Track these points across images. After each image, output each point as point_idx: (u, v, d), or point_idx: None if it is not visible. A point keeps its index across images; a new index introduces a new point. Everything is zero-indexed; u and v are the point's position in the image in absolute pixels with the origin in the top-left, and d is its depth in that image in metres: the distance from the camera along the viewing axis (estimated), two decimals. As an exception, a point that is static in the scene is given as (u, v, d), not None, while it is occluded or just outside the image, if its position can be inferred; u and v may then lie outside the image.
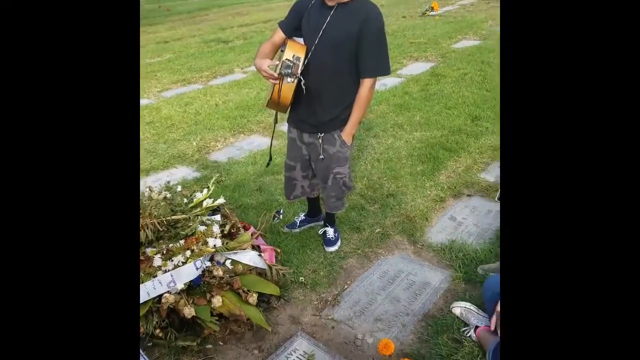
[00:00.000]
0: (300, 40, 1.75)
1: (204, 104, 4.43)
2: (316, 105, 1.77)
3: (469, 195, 2.60)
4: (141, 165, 3.13)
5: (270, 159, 2.16)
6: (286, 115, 1.96)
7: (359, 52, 1.65)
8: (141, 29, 8.08)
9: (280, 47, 1.80)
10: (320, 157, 1.87)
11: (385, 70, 1.72)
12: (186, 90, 4.98)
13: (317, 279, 2.02)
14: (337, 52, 1.66)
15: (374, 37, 1.64)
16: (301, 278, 2.02)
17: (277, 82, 1.64)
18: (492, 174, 2.79)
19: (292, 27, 1.76)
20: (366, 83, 1.70)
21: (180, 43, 7.77)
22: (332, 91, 1.74)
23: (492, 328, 1.53)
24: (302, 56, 1.66)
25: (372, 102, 4.00)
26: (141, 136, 3.64)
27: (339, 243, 2.20)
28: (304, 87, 1.68)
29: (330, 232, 2.19)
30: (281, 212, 2.48)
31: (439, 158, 2.96)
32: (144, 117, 4.13)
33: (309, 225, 2.37)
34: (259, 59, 1.70)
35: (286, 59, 1.62)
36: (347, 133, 1.83)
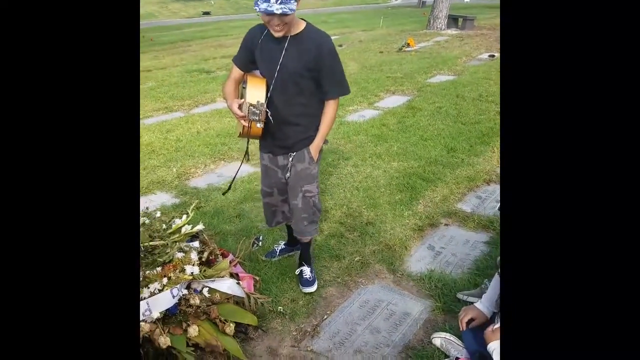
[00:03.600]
0: (256, 72, 1.80)
1: (185, 132, 4.43)
2: (288, 129, 1.82)
3: (446, 225, 2.65)
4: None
5: (229, 188, 2.17)
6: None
7: (320, 79, 1.73)
8: (123, 56, 8.04)
9: (241, 81, 1.86)
10: (287, 174, 1.90)
11: (345, 91, 1.81)
12: (168, 118, 4.98)
13: (296, 308, 1.98)
14: (299, 83, 1.72)
15: (329, 63, 1.71)
16: (280, 307, 1.98)
17: (247, 123, 1.70)
18: (468, 205, 2.86)
19: (246, 62, 1.81)
20: (331, 104, 1.80)
21: (163, 72, 7.81)
22: (300, 115, 1.80)
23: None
24: (264, 93, 1.71)
25: (350, 132, 4.10)
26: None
27: (316, 284, 2.11)
28: (270, 118, 1.75)
29: (306, 271, 2.12)
30: (260, 238, 2.46)
31: (417, 188, 3.03)
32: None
33: (289, 254, 2.35)
34: (228, 101, 1.77)
35: (251, 106, 1.66)
36: (315, 146, 1.87)
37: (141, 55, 9.67)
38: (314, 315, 1.96)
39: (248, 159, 2.07)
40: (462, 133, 4.01)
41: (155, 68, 8.23)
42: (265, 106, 1.68)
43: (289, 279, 2.16)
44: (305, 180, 1.90)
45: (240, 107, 1.72)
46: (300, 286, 2.11)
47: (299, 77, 1.70)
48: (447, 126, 4.23)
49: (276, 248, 2.35)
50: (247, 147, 2.03)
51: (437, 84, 5.92)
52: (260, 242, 2.44)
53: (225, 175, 3.41)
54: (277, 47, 1.69)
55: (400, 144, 3.84)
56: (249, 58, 1.79)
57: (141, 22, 12.63)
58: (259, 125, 1.70)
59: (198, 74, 7.50)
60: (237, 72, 1.84)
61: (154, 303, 1.57)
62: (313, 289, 2.09)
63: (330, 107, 1.80)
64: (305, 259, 2.15)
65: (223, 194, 2.10)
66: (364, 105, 5.06)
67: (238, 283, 1.82)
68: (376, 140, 3.95)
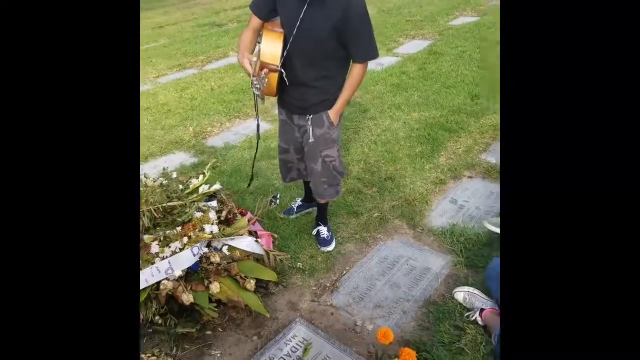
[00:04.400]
0: (277, 21, 1.65)
1: (199, 89, 4.36)
2: (305, 90, 1.71)
3: (469, 177, 2.57)
4: (140, 152, 3.11)
5: (252, 178, 2.15)
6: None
7: (346, 41, 1.58)
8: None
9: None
10: (310, 140, 1.81)
11: (373, 55, 1.66)
12: (182, 76, 4.90)
13: (314, 264, 2.00)
14: (320, 45, 1.58)
15: (359, 24, 1.56)
16: (299, 264, 2.00)
17: (256, 79, 1.56)
18: (493, 155, 2.74)
19: (266, 10, 1.64)
20: (357, 67, 1.66)
21: (174, 28, 7.61)
22: (318, 77, 1.68)
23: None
24: (279, 50, 1.58)
25: (368, 82, 3.93)
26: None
27: (334, 242, 2.11)
28: (285, 79, 1.64)
29: (324, 231, 2.11)
30: (278, 197, 2.45)
31: (438, 139, 2.91)
32: (141, 103, 4.07)
33: (306, 210, 2.33)
34: (240, 54, 1.63)
35: (254, 78, 1.54)
36: (335, 111, 1.76)
37: (151, 12, 9.43)
38: (332, 271, 1.97)
39: (257, 149, 2.05)
40: (487, 78, 3.79)
41: (166, 24, 8.02)
42: (266, 81, 1.56)
43: (307, 236, 2.17)
44: (325, 145, 1.81)
45: (251, 63, 1.58)
46: (318, 245, 2.11)
47: (321, 39, 1.55)
48: (470, 71, 3.99)
49: (293, 205, 2.34)
50: (257, 151, 2.00)
51: (460, 26, 5.55)
52: (278, 200, 2.43)
53: (240, 133, 3.36)
54: (298, 2, 1.53)
55: (421, 92, 3.67)
56: (269, 6, 1.62)
57: (149, -25, 12.14)
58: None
59: (209, 27, 7.28)
60: (255, 21, 1.67)
61: (176, 261, 1.60)
62: (331, 247, 2.09)
63: (355, 70, 1.66)
64: (321, 219, 2.13)
65: (247, 186, 2.16)
66: (382, 52, 4.81)
67: (257, 240, 1.83)
68: (395, 89, 3.79)
